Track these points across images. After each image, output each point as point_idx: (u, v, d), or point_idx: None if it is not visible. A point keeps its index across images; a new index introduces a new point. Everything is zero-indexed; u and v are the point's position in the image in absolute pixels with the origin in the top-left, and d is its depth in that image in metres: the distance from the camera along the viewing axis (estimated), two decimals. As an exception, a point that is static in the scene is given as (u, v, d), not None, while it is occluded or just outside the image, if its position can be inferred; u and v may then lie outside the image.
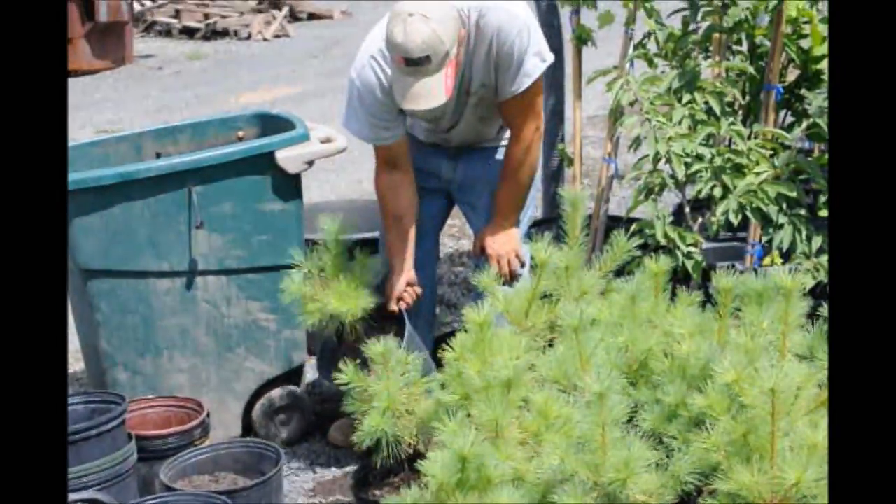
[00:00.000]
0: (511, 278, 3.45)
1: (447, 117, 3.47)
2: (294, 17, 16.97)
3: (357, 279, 3.36)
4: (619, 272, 3.19)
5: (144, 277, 3.45)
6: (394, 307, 3.44)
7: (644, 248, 3.43)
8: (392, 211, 3.49)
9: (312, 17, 17.52)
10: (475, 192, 3.65)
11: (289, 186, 3.54)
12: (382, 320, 3.43)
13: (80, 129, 9.30)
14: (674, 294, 3.00)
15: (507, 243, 3.49)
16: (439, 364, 2.84)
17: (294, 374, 3.71)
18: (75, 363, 4.24)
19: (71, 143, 3.89)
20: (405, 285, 3.46)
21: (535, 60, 3.33)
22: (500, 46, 3.27)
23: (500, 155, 3.59)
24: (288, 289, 3.33)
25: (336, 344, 3.47)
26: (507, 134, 3.54)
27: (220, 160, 3.44)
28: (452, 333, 2.90)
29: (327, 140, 3.62)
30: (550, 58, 3.41)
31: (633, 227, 3.64)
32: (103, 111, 10.21)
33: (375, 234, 3.76)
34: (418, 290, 3.49)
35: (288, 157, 3.49)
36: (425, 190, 3.59)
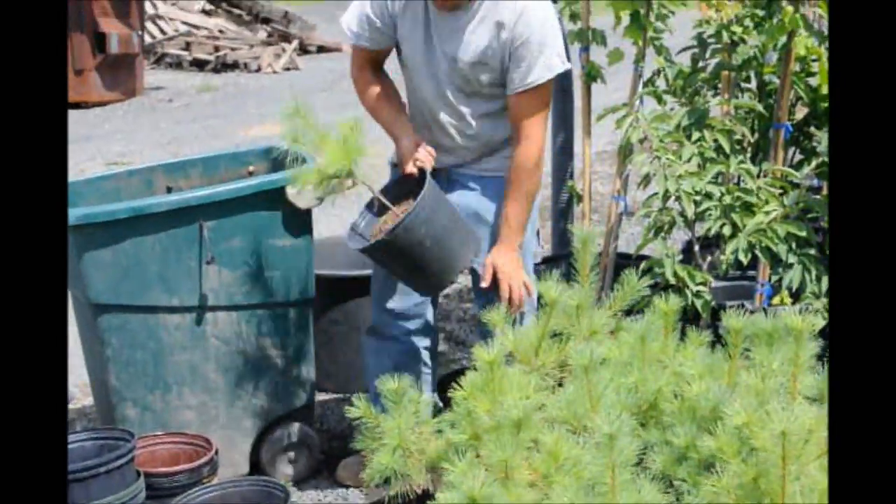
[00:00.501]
0: (519, 305, 3.42)
1: (422, 73, 3.39)
2: (304, 50, 17.08)
3: (346, 139, 3.25)
4: (629, 311, 3.19)
5: (154, 313, 3.45)
6: (411, 169, 3.34)
7: (654, 286, 3.43)
8: (376, 95, 3.45)
9: (322, 49, 17.63)
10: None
11: (299, 222, 3.55)
12: (403, 186, 3.38)
13: (90, 161, 9.34)
14: (683, 333, 3.00)
15: (516, 269, 3.41)
16: (447, 403, 2.83)
17: (303, 412, 3.71)
18: (84, 398, 4.24)
19: (82, 176, 3.91)
20: (414, 146, 3.37)
21: (556, 60, 3.30)
22: (523, 29, 3.24)
23: (495, 187, 3.48)
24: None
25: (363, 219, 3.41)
26: (503, 164, 3.45)
27: (231, 195, 3.45)
28: (462, 371, 2.89)
29: (338, 175, 3.63)
30: (568, 65, 3.39)
31: (643, 265, 3.64)
32: (113, 143, 10.25)
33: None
34: (429, 148, 3.38)
35: (298, 193, 3.50)
36: None
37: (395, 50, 3.47)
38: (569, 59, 3.55)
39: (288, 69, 15.49)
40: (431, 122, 3.45)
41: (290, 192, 3.46)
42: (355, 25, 3.42)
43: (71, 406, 3.41)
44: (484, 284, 3.39)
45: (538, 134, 3.37)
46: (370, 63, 3.47)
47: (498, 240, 3.42)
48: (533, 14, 3.27)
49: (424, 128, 3.46)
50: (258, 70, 15.16)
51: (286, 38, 16.72)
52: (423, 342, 3.65)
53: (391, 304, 3.60)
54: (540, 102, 3.35)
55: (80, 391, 4.26)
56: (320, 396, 3.90)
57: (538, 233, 3.62)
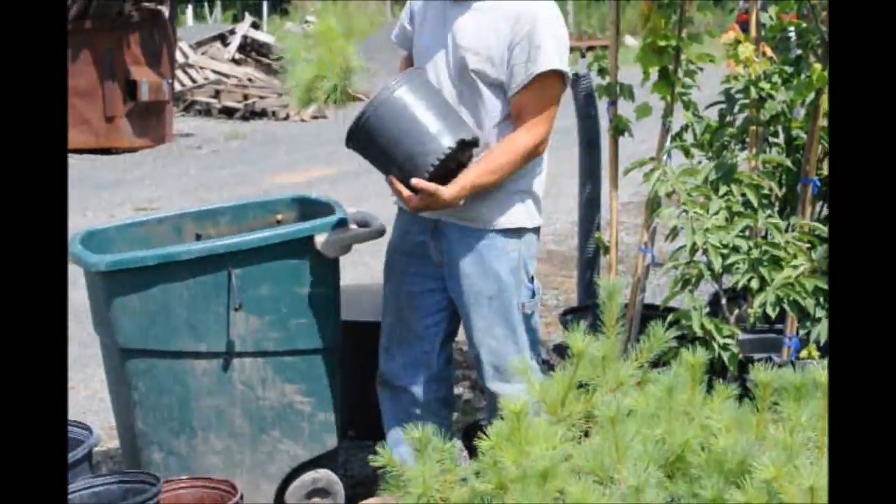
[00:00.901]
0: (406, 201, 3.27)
1: (430, 66, 3.40)
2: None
3: None
4: (656, 363, 3.19)
5: (181, 358, 3.48)
6: None
7: (681, 338, 3.42)
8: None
9: (353, 98, 17.72)
10: (460, 290, 3.46)
11: (326, 270, 3.57)
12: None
13: (120, 206, 9.43)
14: (710, 386, 2.99)
15: (433, 202, 3.26)
16: (473, 452, 2.83)
17: (327, 457, 3.71)
18: (110, 441, 4.26)
19: (111, 221, 3.95)
20: None
21: (556, 59, 3.30)
22: (527, 26, 3.26)
23: (488, 244, 3.39)
24: None
25: None
26: (497, 220, 3.39)
27: (259, 243, 3.48)
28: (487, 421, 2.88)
29: (365, 224, 3.66)
30: (568, 69, 3.36)
31: (670, 317, 3.64)
32: (142, 189, 10.35)
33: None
34: None
35: (326, 242, 3.52)
36: (417, 278, 3.54)
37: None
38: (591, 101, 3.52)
39: (316, 118, 15.62)
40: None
41: (318, 240, 3.49)
42: (396, 29, 3.61)
43: (97, 449, 3.43)
44: (404, 193, 3.27)
45: (540, 129, 3.33)
46: (409, 65, 3.56)
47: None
48: (539, 12, 3.30)
49: None
50: (286, 118, 15.30)
51: (315, 87, 16.85)
52: (433, 393, 3.63)
53: (398, 354, 3.62)
54: (543, 98, 3.33)
55: (106, 434, 4.27)
56: (345, 442, 3.89)
57: (532, 278, 3.56)
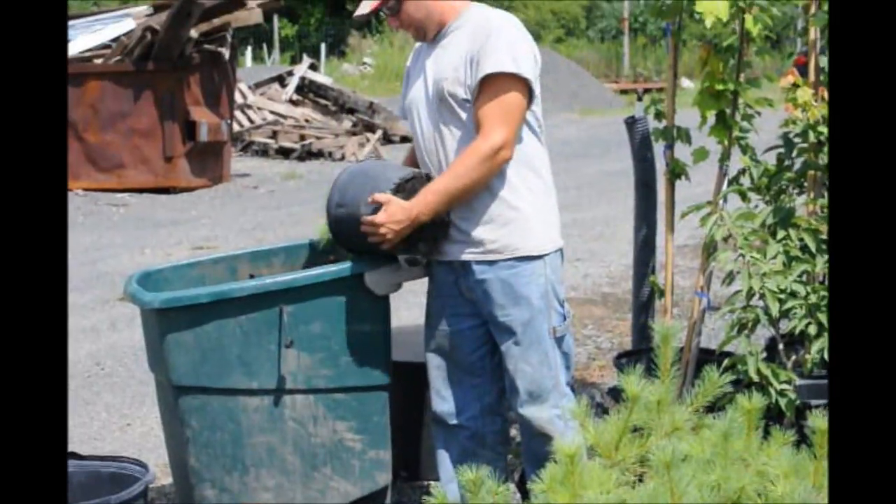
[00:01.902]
0: (372, 234, 3.36)
1: (417, 111, 3.50)
2: (387, 139, 17.35)
3: None
4: (711, 408, 3.14)
5: (234, 395, 3.49)
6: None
7: (736, 383, 3.38)
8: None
9: (405, 139, 17.83)
10: (495, 321, 3.48)
11: (377, 308, 3.58)
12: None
13: (177, 245, 9.53)
14: (767, 432, 2.94)
15: (399, 220, 3.31)
16: (526, 496, 2.81)
17: (378, 495, 3.69)
18: (164, 478, 4.27)
19: (169, 263, 4.00)
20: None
21: (507, 60, 3.30)
22: (481, 36, 3.34)
23: (515, 272, 3.41)
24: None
25: None
26: (518, 247, 3.41)
27: (311, 281, 3.49)
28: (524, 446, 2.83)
29: (415, 263, 3.66)
30: (526, 73, 3.33)
31: (726, 362, 3.60)
32: (199, 228, 10.46)
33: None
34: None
35: (377, 280, 3.53)
36: (456, 318, 3.56)
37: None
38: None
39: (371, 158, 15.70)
40: (433, 170, 3.48)
41: (368, 278, 3.50)
42: (400, 103, 3.72)
43: (151, 486, 3.45)
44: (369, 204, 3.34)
45: (496, 133, 3.29)
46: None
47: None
48: (493, 22, 3.37)
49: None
50: (342, 158, 15.42)
51: (370, 128, 17.00)
52: (489, 426, 3.63)
53: (448, 393, 3.62)
54: (499, 102, 3.30)
55: (160, 471, 4.29)
56: (398, 483, 3.88)
57: (562, 302, 3.56)
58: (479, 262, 3.44)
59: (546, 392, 3.46)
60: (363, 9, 3.46)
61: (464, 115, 3.39)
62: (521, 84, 3.33)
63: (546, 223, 3.47)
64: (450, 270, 3.53)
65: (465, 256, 3.46)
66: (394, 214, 3.30)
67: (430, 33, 3.46)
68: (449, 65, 3.39)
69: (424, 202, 3.32)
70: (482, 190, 3.38)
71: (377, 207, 3.31)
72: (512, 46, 3.33)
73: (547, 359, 3.47)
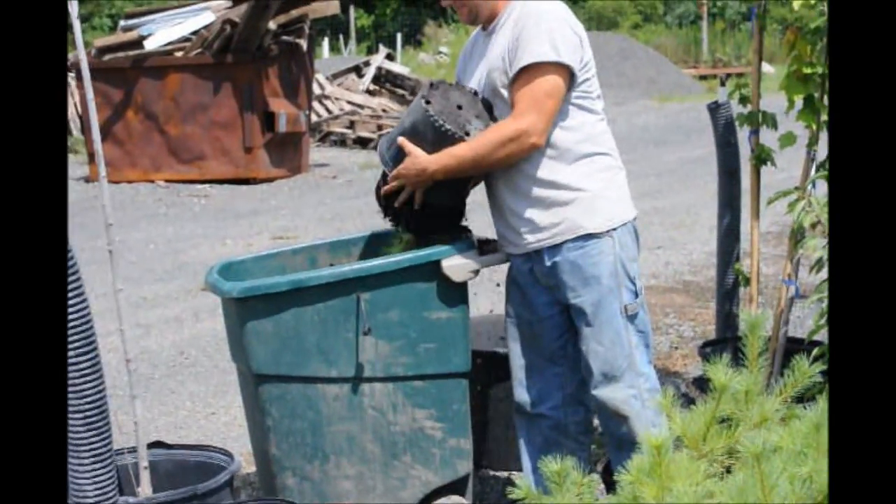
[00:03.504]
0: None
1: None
2: (464, 129, 17.23)
3: None
4: (800, 398, 3.06)
5: (313, 383, 3.48)
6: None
7: (827, 373, 3.28)
8: None
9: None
10: (568, 303, 3.47)
11: (455, 295, 3.54)
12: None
13: (258, 235, 9.60)
14: (859, 423, 2.85)
15: (417, 174, 3.40)
16: (611, 487, 2.75)
17: (459, 484, 3.66)
18: (248, 466, 4.30)
19: (249, 254, 4.02)
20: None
21: (545, 48, 3.27)
22: (522, 21, 3.32)
23: (582, 252, 3.38)
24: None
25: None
26: (582, 225, 3.38)
27: (388, 268, 3.47)
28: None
29: (493, 250, 3.63)
30: (566, 59, 3.30)
31: (815, 351, 3.50)
32: (279, 218, 10.53)
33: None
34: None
35: (454, 266, 3.49)
36: (535, 306, 3.54)
37: None
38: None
39: (448, 148, 15.68)
40: None
41: (445, 265, 3.47)
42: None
43: (236, 475, 3.47)
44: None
45: (526, 118, 3.28)
46: None
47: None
48: (532, 9, 3.33)
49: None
50: (419, 149, 15.41)
51: (447, 118, 16.96)
52: (572, 416, 3.60)
53: (530, 383, 3.59)
54: (532, 88, 3.28)
55: (244, 460, 4.31)
56: (480, 472, 3.85)
57: (633, 279, 3.49)
58: (550, 247, 3.42)
59: (620, 372, 3.41)
60: None
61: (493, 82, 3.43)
62: (561, 70, 3.30)
63: (612, 199, 3.43)
64: (526, 259, 3.51)
65: (535, 244, 3.44)
66: (406, 165, 3.39)
67: (481, 18, 3.45)
68: (498, 56, 3.39)
69: (437, 161, 3.35)
70: (540, 175, 3.37)
71: (399, 153, 3.41)
72: (551, 33, 3.30)
73: (619, 338, 3.42)
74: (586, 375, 3.50)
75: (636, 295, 3.45)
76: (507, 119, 3.33)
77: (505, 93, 3.37)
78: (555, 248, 3.42)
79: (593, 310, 3.41)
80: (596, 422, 3.73)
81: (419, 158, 3.36)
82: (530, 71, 3.28)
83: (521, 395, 3.61)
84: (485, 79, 3.43)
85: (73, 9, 3.00)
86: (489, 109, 3.42)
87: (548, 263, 3.44)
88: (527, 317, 3.56)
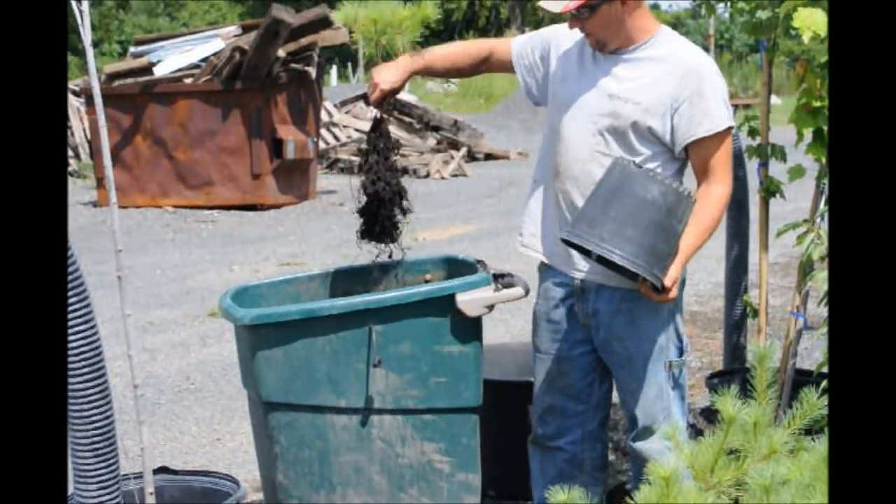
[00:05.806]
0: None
1: (579, 124, 3.34)
2: (471, 156, 17.37)
3: None
4: (809, 430, 3.06)
5: (322, 412, 3.48)
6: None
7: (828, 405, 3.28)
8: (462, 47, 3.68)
9: (489, 157, 17.88)
10: (612, 351, 3.42)
11: (468, 329, 3.53)
12: None
13: (265, 261, 9.62)
14: (868, 457, 2.85)
15: (674, 282, 3.22)
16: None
17: (466, 518, 3.65)
18: (254, 493, 4.29)
19: (264, 279, 4.02)
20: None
21: (727, 113, 3.30)
22: (697, 81, 3.26)
23: (639, 304, 3.29)
24: None
25: None
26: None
27: (401, 301, 3.46)
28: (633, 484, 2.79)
29: (509, 285, 3.60)
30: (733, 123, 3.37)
31: (824, 384, 3.50)
32: (286, 244, 10.55)
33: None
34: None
35: (468, 301, 3.48)
36: (566, 343, 3.48)
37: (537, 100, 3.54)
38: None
39: (456, 175, 15.75)
40: (567, 178, 3.36)
41: (460, 299, 3.47)
42: (522, 40, 3.56)
43: (243, 502, 3.46)
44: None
45: (727, 179, 3.33)
46: (494, 55, 3.56)
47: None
48: (703, 69, 3.29)
49: (557, 190, 3.39)
50: (427, 176, 15.46)
51: (455, 145, 17.03)
52: (589, 452, 3.57)
53: (552, 419, 3.56)
54: (725, 148, 3.31)
55: (250, 486, 4.31)
56: (485, 502, 3.84)
57: (681, 336, 3.48)
58: (603, 288, 3.37)
59: (658, 424, 3.38)
60: (554, 7, 3.27)
61: (635, 142, 3.29)
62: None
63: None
64: (568, 293, 3.45)
65: (589, 278, 3.38)
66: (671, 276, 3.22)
67: (609, 46, 3.32)
68: (639, 91, 3.27)
69: (678, 266, 3.24)
70: None
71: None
72: (725, 96, 3.33)
73: (662, 392, 3.40)
74: (628, 425, 3.49)
75: (682, 353, 3.43)
76: (716, 186, 3.30)
77: (627, 125, 3.28)
78: (612, 291, 3.36)
79: (641, 364, 3.38)
80: (611, 457, 3.72)
81: (674, 274, 3.22)
82: (722, 135, 3.29)
83: (543, 430, 3.58)
84: (606, 101, 3.30)
85: (87, 35, 3.02)
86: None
87: (600, 304, 3.38)
88: (555, 353, 3.51)
